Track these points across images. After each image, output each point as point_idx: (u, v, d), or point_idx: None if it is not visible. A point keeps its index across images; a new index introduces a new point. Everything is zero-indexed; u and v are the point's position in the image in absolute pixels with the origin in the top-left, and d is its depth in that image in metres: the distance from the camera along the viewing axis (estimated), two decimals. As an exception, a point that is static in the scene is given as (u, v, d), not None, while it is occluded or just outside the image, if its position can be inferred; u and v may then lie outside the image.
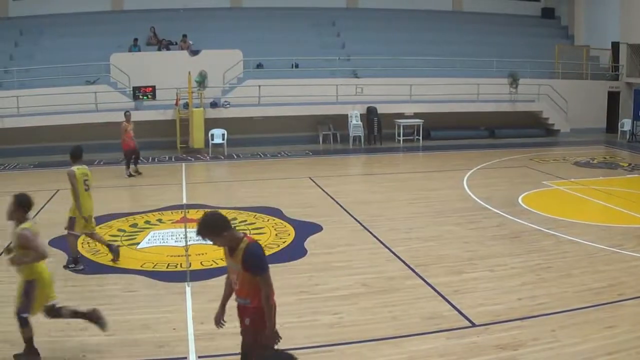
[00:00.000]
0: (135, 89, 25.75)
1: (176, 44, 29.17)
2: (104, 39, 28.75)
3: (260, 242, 6.43)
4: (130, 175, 20.75)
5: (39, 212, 15.76)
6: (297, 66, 29.01)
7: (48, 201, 17.29)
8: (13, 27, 30.46)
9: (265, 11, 32.50)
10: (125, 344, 8.22)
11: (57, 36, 29.53)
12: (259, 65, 28.79)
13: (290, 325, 8.58)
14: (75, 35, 29.21)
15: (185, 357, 7.87)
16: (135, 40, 28.74)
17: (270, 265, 6.06)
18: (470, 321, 8.75)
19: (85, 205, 11.53)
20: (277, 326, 5.70)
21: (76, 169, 11.50)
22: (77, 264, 11.55)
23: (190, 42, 28.55)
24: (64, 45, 28.49)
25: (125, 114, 21.00)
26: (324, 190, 18.13)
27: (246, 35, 30.06)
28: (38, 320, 8.92)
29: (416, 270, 10.97)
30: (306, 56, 29.09)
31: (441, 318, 8.92)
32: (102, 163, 23.01)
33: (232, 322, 8.74)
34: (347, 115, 27.61)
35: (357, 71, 28.97)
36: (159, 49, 29.06)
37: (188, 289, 10.19)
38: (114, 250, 11.84)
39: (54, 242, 12.96)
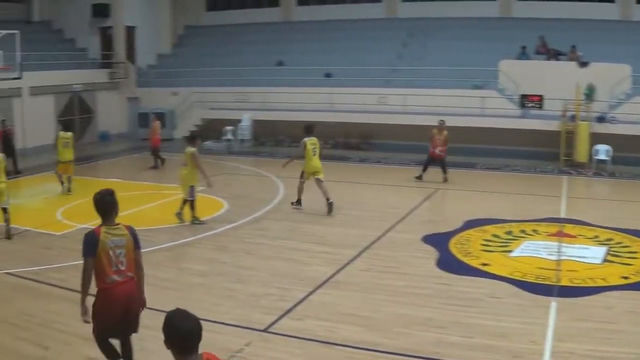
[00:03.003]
0: (522, 96, 25.71)
1: (565, 54, 28.45)
2: (491, 44, 29.05)
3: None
4: (417, 178, 20.78)
5: (414, 208, 16.61)
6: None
7: (426, 199, 18.11)
8: (402, 28, 32.35)
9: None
10: (481, 348, 8.33)
11: (445, 39, 30.62)
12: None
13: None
14: (462, 40, 30.02)
15: (538, 372, 7.76)
16: (524, 47, 28.53)
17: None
18: None
19: (311, 164, 16.24)
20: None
21: (307, 140, 16.28)
22: (299, 204, 16.58)
23: (580, 54, 27.60)
24: (452, 49, 29.41)
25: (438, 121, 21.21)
26: None
27: (637, 50, 28.16)
28: (401, 311, 9.42)
29: None
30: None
31: None
32: (484, 168, 23.33)
33: (592, 345, 8.40)
34: None
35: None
36: (548, 59, 28.59)
37: (553, 304, 9.95)
38: (329, 204, 15.92)
39: (427, 239, 13.84)
